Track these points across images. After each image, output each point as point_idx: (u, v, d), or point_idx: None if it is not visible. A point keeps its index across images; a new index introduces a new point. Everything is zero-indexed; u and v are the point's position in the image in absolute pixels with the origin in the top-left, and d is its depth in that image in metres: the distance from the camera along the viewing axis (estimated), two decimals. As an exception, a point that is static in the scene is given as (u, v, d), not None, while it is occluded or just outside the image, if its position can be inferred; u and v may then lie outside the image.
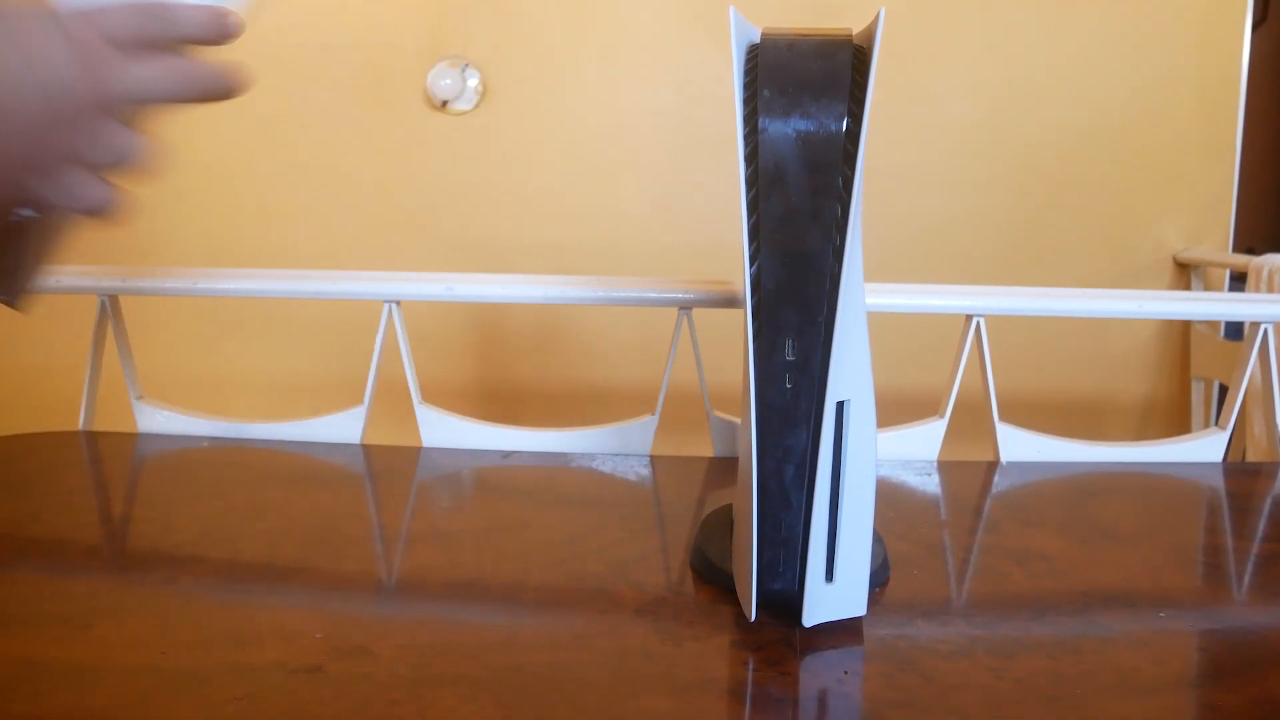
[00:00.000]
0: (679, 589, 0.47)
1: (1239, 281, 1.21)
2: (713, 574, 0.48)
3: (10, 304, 0.45)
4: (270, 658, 0.39)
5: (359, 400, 0.72)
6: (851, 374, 0.41)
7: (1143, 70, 1.26)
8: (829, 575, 0.42)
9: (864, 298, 0.42)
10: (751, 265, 0.41)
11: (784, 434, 0.41)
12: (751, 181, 0.40)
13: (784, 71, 0.40)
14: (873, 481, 0.42)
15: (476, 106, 1.28)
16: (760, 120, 0.40)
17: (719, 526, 0.52)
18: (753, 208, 0.40)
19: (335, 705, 0.36)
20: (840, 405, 0.41)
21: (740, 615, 0.44)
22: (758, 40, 0.42)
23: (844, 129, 0.40)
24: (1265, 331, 0.70)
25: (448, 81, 1.24)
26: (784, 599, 0.43)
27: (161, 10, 0.36)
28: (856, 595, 0.43)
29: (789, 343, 0.41)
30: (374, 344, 0.71)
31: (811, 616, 0.42)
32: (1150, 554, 0.53)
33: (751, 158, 0.40)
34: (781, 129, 0.40)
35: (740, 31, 0.41)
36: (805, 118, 0.40)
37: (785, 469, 0.41)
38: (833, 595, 0.43)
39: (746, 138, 0.40)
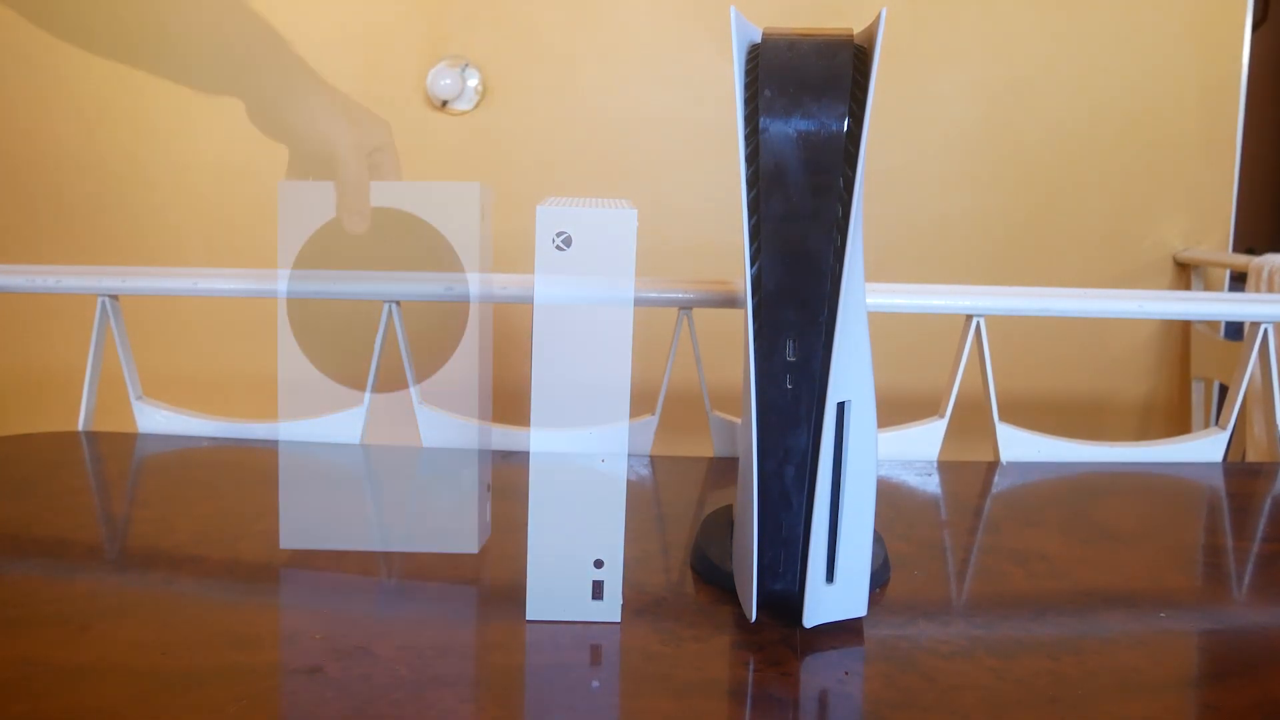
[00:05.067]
0: (679, 589, 0.47)
1: (1239, 281, 1.21)
2: (713, 574, 0.48)
3: None
4: (270, 658, 0.39)
5: (359, 400, 0.72)
6: (852, 374, 0.41)
7: (1143, 70, 1.26)
8: (829, 576, 0.42)
9: (864, 298, 0.42)
10: (752, 265, 0.41)
11: (784, 434, 0.41)
12: (752, 181, 0.40)
13: (785, 71, 0.40)
14: (873, 482, 0.42)
15: (476, 106, 1.28)
16: (761, 120, 0.40)
17: (719, 527, 0.52)
18: (753, 208, 0.40)
19: (335, 706, 0.36)
20: (841, 406, 0.41)
21: (740, 616, 0.44)
22: (758, 40, 0.42)
23: (845, 129, 0.39)
24: (1265, 331, 0.70)
25: (448, 81, 1.24)
26: (784, 600, 0.43)
27: None
28: (857, 596, 0.43)
29: (789, 343, 0.41)
30: (374, 344, 0.71)
31: (812, 617, 0.42)
32: (1151, 554, 0.53)
33: (752, 158, 0.40)
34: (782, 129, 0.40)
35: (741, 31, 0.41)
36: (806, 118, 0.40)
37: (786, 469, 0.41)
38: (833, 596, 0.43)
39: (747, 138, 0.40)
